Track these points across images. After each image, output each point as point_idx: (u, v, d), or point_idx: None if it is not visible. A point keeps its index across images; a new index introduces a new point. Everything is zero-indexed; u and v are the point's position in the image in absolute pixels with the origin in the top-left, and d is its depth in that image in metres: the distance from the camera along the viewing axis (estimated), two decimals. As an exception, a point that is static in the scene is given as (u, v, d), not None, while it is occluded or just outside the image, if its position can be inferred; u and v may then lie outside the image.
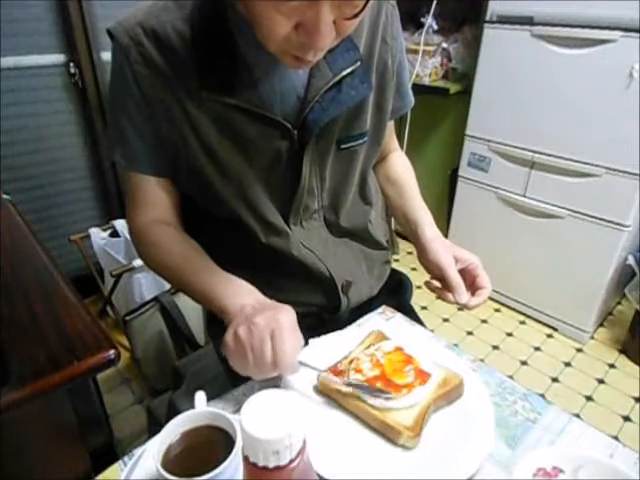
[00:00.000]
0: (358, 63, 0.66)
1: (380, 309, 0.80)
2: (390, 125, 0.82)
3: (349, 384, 0.58)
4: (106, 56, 1.86)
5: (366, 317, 0.78)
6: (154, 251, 0.70)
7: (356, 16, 0.50)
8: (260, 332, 0.53)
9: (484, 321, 2.09)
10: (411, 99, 0.83)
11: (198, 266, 0.66)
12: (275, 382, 0.61)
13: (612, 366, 1.84)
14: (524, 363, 1.86)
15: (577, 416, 0.64)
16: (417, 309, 0.92)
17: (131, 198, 0.72)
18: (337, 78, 0.64)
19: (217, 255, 0.69)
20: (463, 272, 0.72)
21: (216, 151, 0.64)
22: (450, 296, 0.71)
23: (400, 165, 0.89)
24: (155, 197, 0.71)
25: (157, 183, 0.70)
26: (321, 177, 0.72)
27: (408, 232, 0.82)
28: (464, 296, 0.70)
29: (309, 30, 0.49)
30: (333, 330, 0.72)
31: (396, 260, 1.14)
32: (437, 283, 0.74)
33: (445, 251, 0.73)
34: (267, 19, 0.49)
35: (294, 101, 0.65)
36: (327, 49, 0.55)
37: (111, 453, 0.75)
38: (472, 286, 0.72)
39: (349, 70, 0.65)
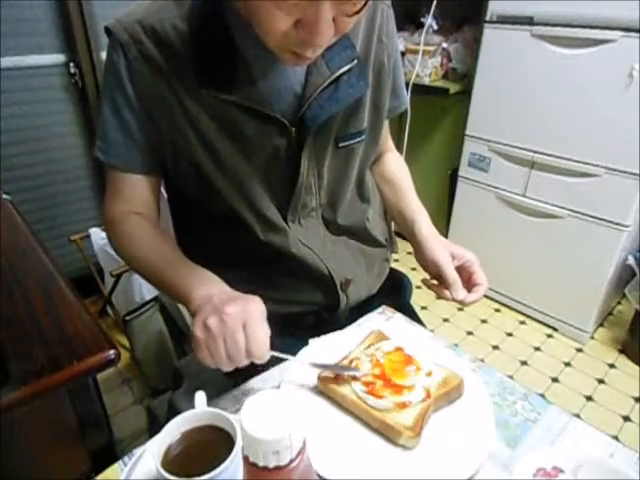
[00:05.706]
0: (355, 61, 0.66)
1: (380, 309, 0.80)
2: (385, 125, 0.82)
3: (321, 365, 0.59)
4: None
5: (366, 317, 0.78)
6: (126, 242, 0.69)
7: (356, 13, 0.50)
8: (233, 322, 0.52)
9: (484, 321, 2.09)
10: (406, 99, 0.84)
11: (167, 257, 0.65)
12: (275, 382, 0.61)
13: (612, 366, 1.84)
14: (524, 363, 1.86)
15: (577, 416, 0.64)
16: (417, 309, 0.92)
17: (108, 189, 0.72)
18: (334, 76, 0.64)
19: (215, 253, 0.68)
20: (459, 269, 0.73)
21: (215, 148, 0.64)
22: (447, 293, 0.71)
23: (395, 164, 0.89)
24: (131, 192, 0.70)
25: (135, 180, 0.70)
26: (319, 175, 0.72)
27: (404, 230, 0.83)
28: (461, 292, 0.70)
29: (309, 27, 0.49)
30: (332, 329, 0.72)
31: (396, 260, 1.14)
32: (434, 280, 0.74)
33: (442, 248, 0.74)
34: (267, 16, 0.49)
35: (292, 99, 0.65)
36: (326, 46, 0.55)
37: (111, 453, 0.75)
38: (468, 283, 0.73)
39: (346, 68, 0.65)
